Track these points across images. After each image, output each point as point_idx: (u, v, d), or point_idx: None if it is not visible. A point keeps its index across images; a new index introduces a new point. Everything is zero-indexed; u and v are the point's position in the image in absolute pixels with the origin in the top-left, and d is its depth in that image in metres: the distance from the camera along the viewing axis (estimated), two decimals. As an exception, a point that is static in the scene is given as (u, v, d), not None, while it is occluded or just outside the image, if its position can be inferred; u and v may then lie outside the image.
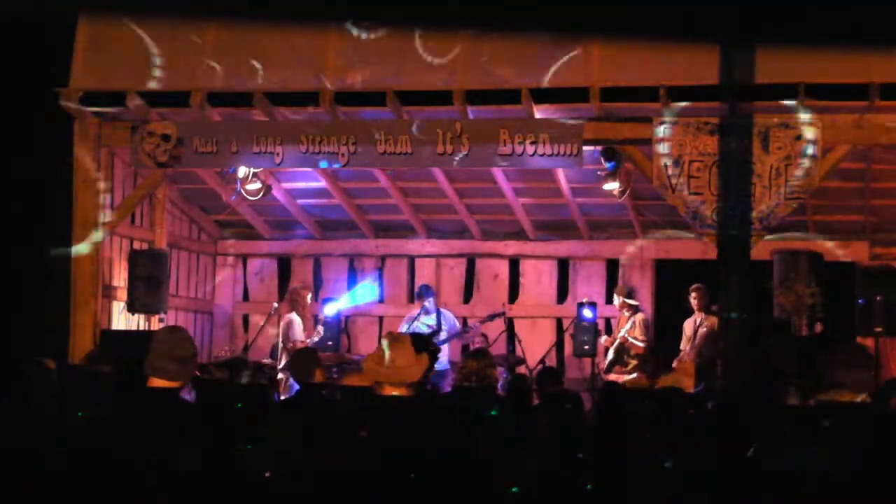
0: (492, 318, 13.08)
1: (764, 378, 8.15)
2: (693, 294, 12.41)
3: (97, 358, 8.47)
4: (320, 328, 13.04)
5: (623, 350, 12.68)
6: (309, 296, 13.12)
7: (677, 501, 5.48)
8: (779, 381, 5.42)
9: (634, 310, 12.85)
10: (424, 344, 8.09)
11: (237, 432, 5.79)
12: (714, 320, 12.09)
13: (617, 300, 12.96)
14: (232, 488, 5.26)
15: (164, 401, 5.27)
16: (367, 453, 5.22)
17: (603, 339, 12.95)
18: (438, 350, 8.24)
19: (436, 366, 12.46)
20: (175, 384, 5.32)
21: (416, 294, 13.39)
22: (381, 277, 14.33)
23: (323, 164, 11.23)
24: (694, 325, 12.41)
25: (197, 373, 7.64)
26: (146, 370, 5.31)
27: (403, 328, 12.75)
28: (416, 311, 13.15)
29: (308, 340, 12.61)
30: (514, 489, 5.47)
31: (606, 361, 12.69)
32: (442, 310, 13.20)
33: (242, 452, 5.52)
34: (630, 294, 12.95)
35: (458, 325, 13.22)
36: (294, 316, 12.79)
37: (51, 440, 5.79)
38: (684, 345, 12.47)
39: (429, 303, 13.03)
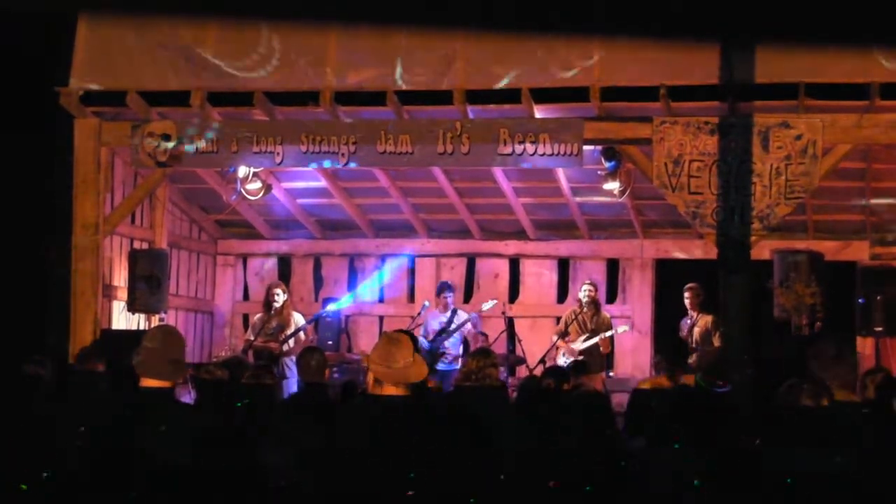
0: (488, 305, 13.06)
1: (774, 378, 8.12)
2: (686, 294, 12.37)
3: (90, 356, 8.40)
4: (302, 334, 12.51)
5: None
6: (279, 292, 12.57)
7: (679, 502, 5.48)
8: (792, 382, 5.40)
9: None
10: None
11: (241, 431, 5.78)
12: (707, 319, 12.07)
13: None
14: (232, 488, 5.25)
15: (158, 400, 5.27)
16: (370, 453, 5.22)
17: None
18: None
19: (438, 366, 12.54)
20: (167, 384, 5.31)
21: (436, 290, 13.29)
22: (382, 274, 14.34)
23: (313, 165, 11.22)
24: (688, 325, 12.37)
25: (190, 371, 7.62)
26: (137, 370, 5.30)
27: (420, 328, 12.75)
28: (436, 310, 13.04)
29: (291, 341, 12.38)
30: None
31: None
32: (459, 310, 13.12)
33: (247, 450, 5.51)
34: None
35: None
36: (257, 315, 12.78)
37: (45, 439, 5.78)
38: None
39: (449, 299, 13.00)
